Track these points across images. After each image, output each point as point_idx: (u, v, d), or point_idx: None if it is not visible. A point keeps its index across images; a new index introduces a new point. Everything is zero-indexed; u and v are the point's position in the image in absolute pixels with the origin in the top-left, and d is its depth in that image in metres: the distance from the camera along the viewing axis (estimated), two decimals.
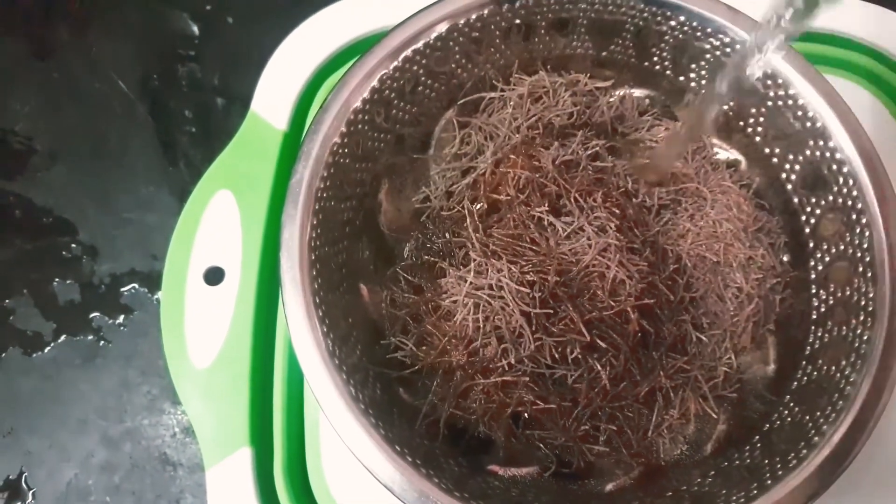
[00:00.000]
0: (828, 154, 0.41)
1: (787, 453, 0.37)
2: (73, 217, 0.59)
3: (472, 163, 0.48)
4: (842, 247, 0.41)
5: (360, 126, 0.43)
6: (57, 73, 0.64)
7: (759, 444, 0.40)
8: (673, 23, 0.44)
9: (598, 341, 0.40)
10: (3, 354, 0.55)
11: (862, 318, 0.39)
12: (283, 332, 0.46)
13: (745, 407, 0.43)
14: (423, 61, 0.44)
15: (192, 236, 0.48)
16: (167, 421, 0.54)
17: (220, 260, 0.48)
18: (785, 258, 0.46)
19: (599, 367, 0.39)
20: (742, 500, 0.36)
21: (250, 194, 0.49)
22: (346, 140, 0.42)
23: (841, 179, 0.41)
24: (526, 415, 0.41)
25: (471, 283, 0.42)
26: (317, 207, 0.40)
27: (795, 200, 0.45)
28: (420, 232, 0.47)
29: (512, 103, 0.48)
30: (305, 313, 0.38)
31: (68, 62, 0.64)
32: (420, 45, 0.43)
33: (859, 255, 0.40)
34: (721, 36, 0.43)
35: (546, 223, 0.43)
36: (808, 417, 0.38)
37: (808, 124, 0.42)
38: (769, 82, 0.43)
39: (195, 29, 0.65)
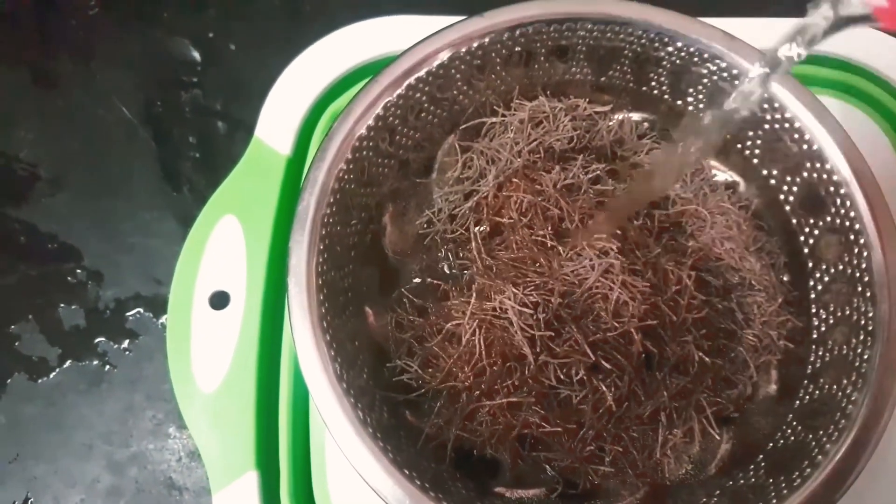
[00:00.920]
0: (825, 176, 0.42)
1: (791, 472, 0.37)
2: (78, 243, 0.60)
3: (474, 186, 0.48)
4: (840, 267, 0.42)
5: (364, 152, 0.43)
6: (61, 100, 0.64)
7: (763, 464, 0.40)
8: (670, 49, 0.45)
9: (603, 362, 0.40)
10: (9, 380, 0.56)
11: (862, 337, 0.39)
12: (289, 355, 0.47)
13: (748, 427, 0.43)
14: (426, 88, 0.45)
15: (198, 261, 0.48)
16: (173, 445, 0.54)
17: (226, 284, 0.48)
18: (785, 278, 0.46)
19: (604, 388, 0.40)
20: None
21: (255, 219, 0.49)
22: (351, 166, 0.42)
23: (838, 201, 0.42)
24: (532, 437, 0.42)
25: (474, 305, 0.42)
26: (323, 233, 0.40)
27: (794, 221, 0.46)
28: (424, 255, 0.48)
29: (513, 128, 0.48)
30: (313, 338, 0.38)
31: (72, 90, 0.65)
32: (423, 72, 0.44)
33: (858, 274, 0.40)
34: (718, 61, 0.44)
35: (549, 246, 0.44)
36: (811, 436, 0.39)
37: (805, 147, 0.43)
38: (766, 106, 0.44)
39: (197, 56, 0.66)
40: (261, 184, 0.50)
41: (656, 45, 0.45)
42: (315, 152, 0.42)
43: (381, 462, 0.36)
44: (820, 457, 0.37)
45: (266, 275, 0.48)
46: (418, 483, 0.36)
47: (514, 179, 0.46)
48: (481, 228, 0.46)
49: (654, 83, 0.48)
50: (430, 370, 0.43)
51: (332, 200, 0.41)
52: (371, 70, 0.44)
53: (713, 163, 0.49)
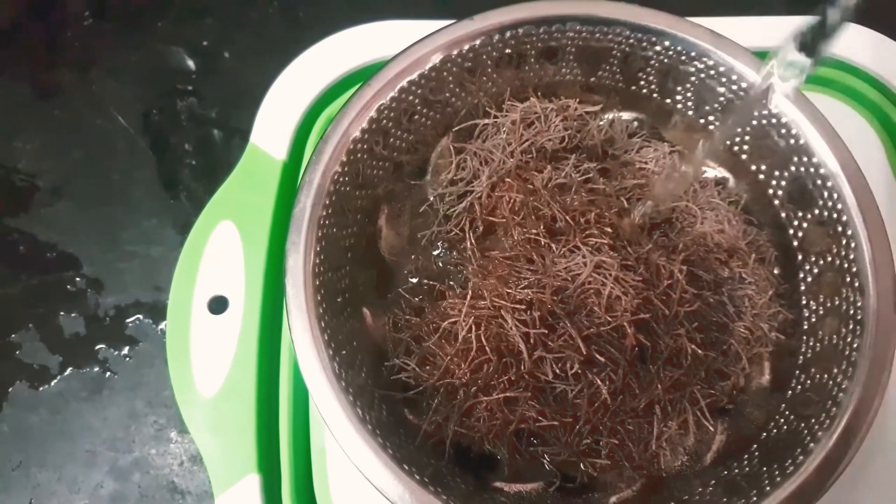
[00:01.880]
0: (812, 170, 0.43)
1: (784, 460, 0.38)
2: (77, 251, 0.60)
3: (468, 187, 0.49)
4: (829, 259, 0.43)
5: (359, 155, 0.44)
6: (58, 111, 0.65)
7: (757, 453, 0.41)
8: (658, 48, 0.46)
9: (597, 356, 0.41)
10: (11, 389, 0.56)
11: (851, 326, 0.40)
12: (288, 357, 0.47)
13: (742, 417, 0.44)
14: (419, 91, 0.46)
15: (196, 266, 0.49)
16: (175, 450, 0.54)
17: (224, 289, 0.49)
18: (775, 271, 0.47)
19: (599, 382, 0.40)
20: None
21: (252, 224, 0.50)
22: (346, 169, 0.43)
23: (826, 194, 0.42)
24: (529, 431, 0.42)
25: (470, 303, 0.43)
26: (319, 235, 0.41)
27: (783, 215, 0.46)
28: (420, 256, 0.48)
29: (505, 129, 0.49)
30: (311, 338, 0.39)
31: (70, 101, 0.65)
32: (415, 75, 0.45)
33: (846, 265, 0.41)
34: (705, 59, 0.45)
35: (542, 244, 0.44)
36: (803, 425, 0.39)
37: (792, 141, 0.44)
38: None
39: (192, 65, 0.67)
40: (257, 189, 0.51)
41: (644, 44, 0.46)
42: (310, 156, 0.42)
43: (381, 458, 0.37)
44: (812, 444, 0.38)
45: (264, 279, 0.49)
46: (418, 478, 0.37)
47: (507, 179, 0.47)
48: (475, 228, 0.47)
49: (642, 82, 0.49)
50: (427, 368, 0.43)
51: (327, 202, 0.42)
52: (365, 74, 0.45)
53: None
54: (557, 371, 0.41)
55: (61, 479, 0.54)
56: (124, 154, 0.63)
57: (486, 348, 0.41)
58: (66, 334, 0.58)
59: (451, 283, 0.47)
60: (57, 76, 0.66)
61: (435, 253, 0.48)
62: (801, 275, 0.45)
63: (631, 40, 0.46)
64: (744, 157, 0.48)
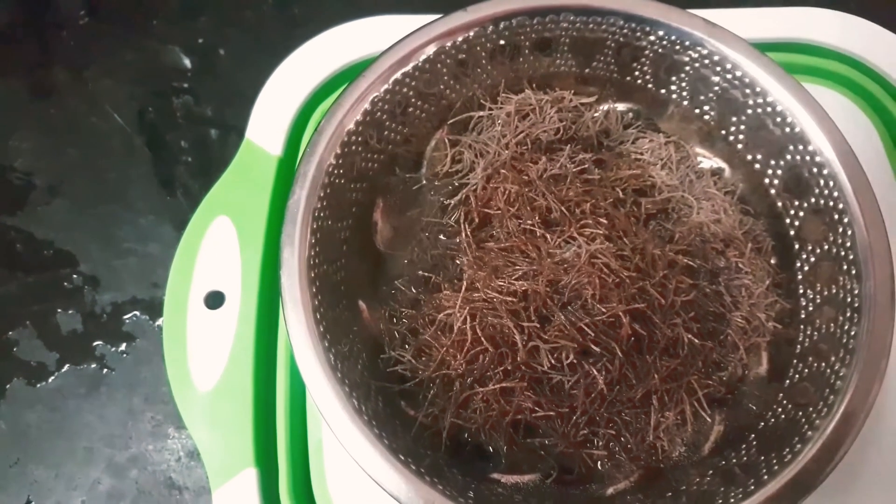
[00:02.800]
0: (808, 158, 0.43)
1: (783, 449, 0.38)
2: (74, 249, 0.60)
3: (463, 179, 0.49)
4: (826, 246, 0.43)
5: (353, 147, 0.44)
6: (54, 110, 0.65)
7: (754, 443, 0.41)
8: (652, 38, 0.46)
9: (593, 346, 0.41)
10: (8, 385, 0.56)
11: (849, 314, 0.40)
12: (285, 352, 0.47)
13: (740, 407, 0.44)
14: (413, 83, 0.46)
15: (192, 262, 0.49)
16: (172, 446, 0.54)
17: (220, 284, 0.49)
18: (772, 260, 0.47)
19: (595, 372, 0.40)
20: (740, 496, 0.37)
21: (247, 219, 0.50)
22: (340, 161, 0.43)
23: (822, 182, 0.42)
24: (526, 423, 0.42)
25: (465, 295, 0.43)
26: (314, 227, 0.41)
27: (779, 204, 0.46)
28: (415, 248, 0.48)
29: (500, 121, 0.49)
30: (307, 330, 0.39)
31: (65, 100, 0.65)
32: (409, 67, 0.45)
33: (843, 253, 0.41)
34: (699, 48, 0.45)
35: (537, 235, 0.44)
36: (800, 413, 0.39)
37: (788, 130, 0.43)
38: (748, 91, 0.44)
39: (188, 62, 0.67)
40: (252, 184, 0.51)
41: (638, 34, 0.46)
42: (305, 148, 0.42)
43: (378, 449, 0.37)
44: (810, 432, 0.37)
45: (260, 274, 0.49)
46: (414, 469, 0.37)
47: (503, 171, 0.47)
48: (471, 220, 0.47)
49: (637, 73, 0.49)
50: (423, 359, 0.43)
51: (322, 195, 0.42)
52: (358, 70, 0.45)
53: (698, 150, 0.50)
54: (553, 361, 0.41)
55: (59, 475, 0.54)
56: (120, 152, 0.63)
57: (482, 339, 0.41)
58: (63, 331, 0.58)
59: (447, 274, 0.46)
60: (52, 75, 0.66)
61: (430, 245, 0.48)
62: (798, 264, 0.45)
63: (625, 30, 0.46)
64: (739, 146, 0.48)
